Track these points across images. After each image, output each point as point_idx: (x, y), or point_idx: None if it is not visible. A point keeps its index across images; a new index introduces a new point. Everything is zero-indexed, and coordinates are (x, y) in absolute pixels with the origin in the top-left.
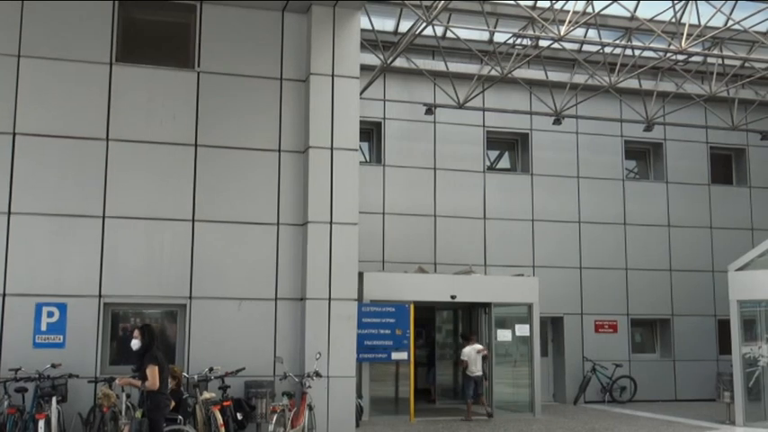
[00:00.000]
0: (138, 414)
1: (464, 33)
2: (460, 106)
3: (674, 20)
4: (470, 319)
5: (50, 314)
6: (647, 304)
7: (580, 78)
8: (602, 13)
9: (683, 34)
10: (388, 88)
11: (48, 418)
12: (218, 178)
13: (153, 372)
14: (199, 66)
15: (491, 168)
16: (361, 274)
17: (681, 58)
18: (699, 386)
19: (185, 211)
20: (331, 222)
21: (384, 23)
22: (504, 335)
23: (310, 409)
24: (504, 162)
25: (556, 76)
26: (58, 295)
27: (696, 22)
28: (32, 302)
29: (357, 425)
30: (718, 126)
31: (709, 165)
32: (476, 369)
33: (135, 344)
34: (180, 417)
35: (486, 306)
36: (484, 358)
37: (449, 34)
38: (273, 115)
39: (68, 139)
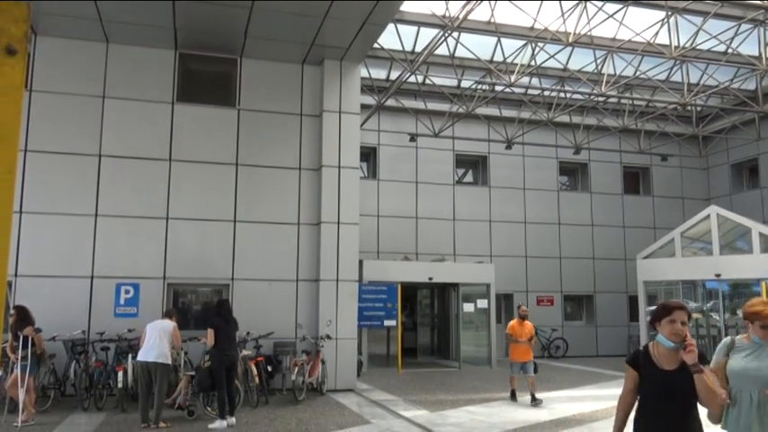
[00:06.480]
0: (207, 364)
1: (438, 80)
2: (436, 135)
3: (596, 70)
4: (443, 295)
5: (127, 291)
6: (576, 284)
7: (526, 114)
8: (542, 65)
9: (602, 81)
10: (382, 121)
11: (125, 369)
12: (254, 189)
13: (210, 333)
14: (239, 104)
15: (459, 182)
16: (361, 262)
17: (601, 99)
18: (614, 345)
19: (228, 213)
20: (338, 222)
21: (379, 73)
22: (468, 307)
23: (323, 363)
24: (469, 177)
25: (507, 112)
26: (133, 277)
27: (612, 72)
28: (113, 283)
29: (358, 375)
30: (630, 150)
31: (622, 180)
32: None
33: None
34: None
35: (454, 285)
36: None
37: (427, 81)
38: (295, 142)
39: (140, 160)
